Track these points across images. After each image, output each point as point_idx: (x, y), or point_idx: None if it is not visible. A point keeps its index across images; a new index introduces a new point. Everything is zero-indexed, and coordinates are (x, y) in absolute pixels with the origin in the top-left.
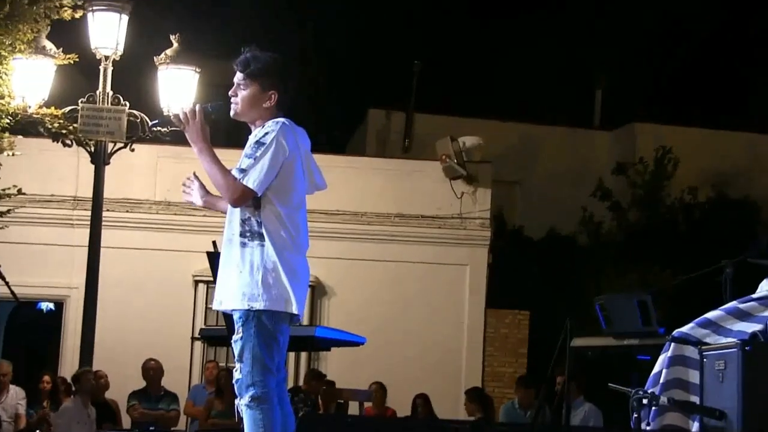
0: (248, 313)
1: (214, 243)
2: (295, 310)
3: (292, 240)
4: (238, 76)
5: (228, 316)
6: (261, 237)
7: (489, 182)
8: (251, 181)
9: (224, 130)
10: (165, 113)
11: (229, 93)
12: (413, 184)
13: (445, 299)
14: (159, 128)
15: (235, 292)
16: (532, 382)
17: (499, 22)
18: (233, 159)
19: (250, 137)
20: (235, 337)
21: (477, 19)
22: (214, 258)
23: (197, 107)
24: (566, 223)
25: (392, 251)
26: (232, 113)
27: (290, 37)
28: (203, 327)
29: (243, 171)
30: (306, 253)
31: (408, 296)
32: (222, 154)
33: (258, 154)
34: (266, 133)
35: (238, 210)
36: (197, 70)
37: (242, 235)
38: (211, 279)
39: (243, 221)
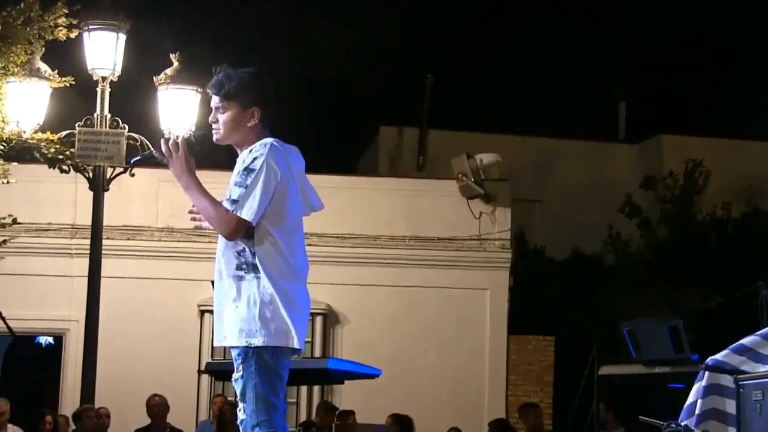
0: (247, 350)
1: None
2: (296, 344)
3: (290, 267)
4: (215, 100)
5: None
6: (256, 268)
7: (508, 201)
8: (245, 212)
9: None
10: (166, 135)
11: (209, 119)
12: (428, 205)
13: (464, 326)
14: (138, 163)
15: (233, 328)
16: (557, 411)
17: (515, 33)
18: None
19: (237, 162)
20: (235, 375)
21: (491, 30)
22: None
23: (179, 139)
24: (591, 242)
25: (408, 276)
26: (215, 139)
27: (296, 53)
28: (210, 361)
29: (235, 201)
30: (306, 280)
31: (425, 323)
32: (214, 177)
33: (249, 182)
34: (254, 158)
35: (228, 242)
36: (199, 90)
37: (238, 267)
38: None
39: (238, 253)
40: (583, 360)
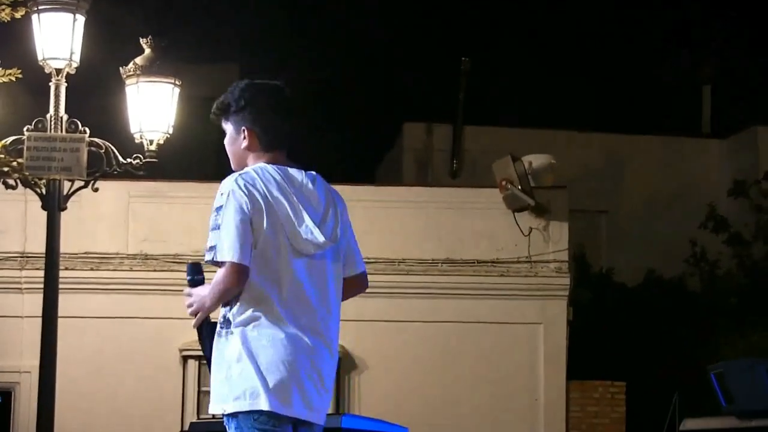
0: (226, 419)
1: None
2: (268, 407)
3: (278, 315)
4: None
5: None
6: (228, 323)
7: (565, 213)
8: (223, 253)
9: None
10: (137, 141)
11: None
12: (465, 220)
13: (513, 370)
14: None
15: (213, 393)
16: None
17: (566, 3)
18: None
19: None
20: None
21: (538, 2)
22: (204, 330)
23: (197, 313)
24: (670, 263)
25: (441, 309)
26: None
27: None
28: (194, 420)
29: (211, 249)
30: (322, 327)
31: (464, 368)
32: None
33: (219, 221)
34: (221, 194)
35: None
36: (177, 83)
37: (221, 325)
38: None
39: (223, 308)
40: (662, 411)
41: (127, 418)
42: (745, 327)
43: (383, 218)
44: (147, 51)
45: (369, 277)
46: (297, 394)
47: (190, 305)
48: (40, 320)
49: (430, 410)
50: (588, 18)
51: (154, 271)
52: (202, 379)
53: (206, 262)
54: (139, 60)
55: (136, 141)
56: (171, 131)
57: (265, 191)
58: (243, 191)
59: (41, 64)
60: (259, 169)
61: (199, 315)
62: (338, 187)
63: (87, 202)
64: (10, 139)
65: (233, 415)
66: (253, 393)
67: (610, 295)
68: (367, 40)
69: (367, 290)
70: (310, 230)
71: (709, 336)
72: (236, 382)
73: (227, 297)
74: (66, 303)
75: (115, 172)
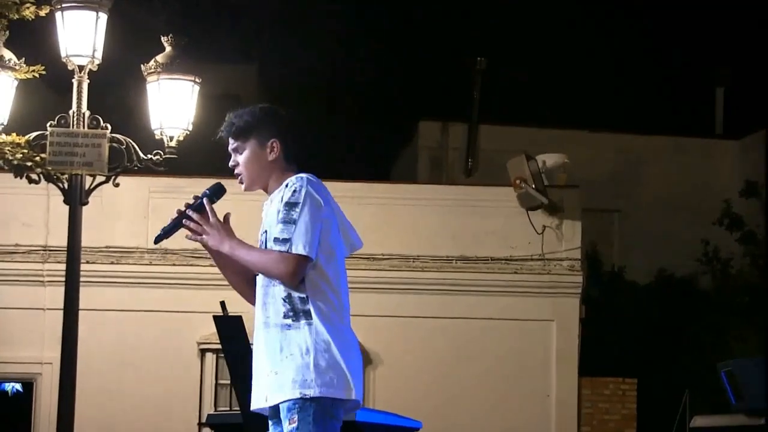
0: (302, 402)
1: (222, 304)
2: (354, 396)
3: (342, 308)
4: (231, 143)
5: (256, 416)
6: (307, 314)
7: (578, 212)
8: (300, 247)
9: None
10: (157, 137)
11: (230, 164)
12: (479, 218)
13: (525, 367)
14: (162, 238)
15: (283, 381)
16: None
17: (583, 3)
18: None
19: (267, 205)
20: (288, 426)
21: (553, 2)
22: (223, 323)
23: (205, 204)
24: (682, 262)
25: (454, 305)
26: (244, 188)
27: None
28: (212, 412)
29: (286, 240)
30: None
31: (476, 364)
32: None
33: (294, 216)
34: (294, 191)
35: (275, 288)
36: (197, 80)
37: (285, 316)
38: (221, 347)
39: (284, 300)
40: (673, 408)
41: (145, 410)
42: (757, 325)
43: (398, 215)
44: (168, 49)
45: (384, 273)
46: (361, 383)
47: (201, 227)
48: (61, 313)
49: (443, 405)
50: (602, 18)
51: (173, 265)
52: (220, 372)
53: (277, 251)
54: (160, 58)
55: (157, 137)
56: (190, 128)
57: (327, 193)
58: (320, 191)
59: (64, 61)
60: (311, 175)
61: (204, 241)
62: (353, 185)
63: (108, 197)
64: (34, 134)
65: (314, 401)
66: (345, 383)
67: (622, 293)
68: (384, 39)
69: (383, 286)
70: (358, 236)
71: (721, 334)
72: (325, 370)
73: (266, 271)
74: (87, 296)
75: (136, 168)
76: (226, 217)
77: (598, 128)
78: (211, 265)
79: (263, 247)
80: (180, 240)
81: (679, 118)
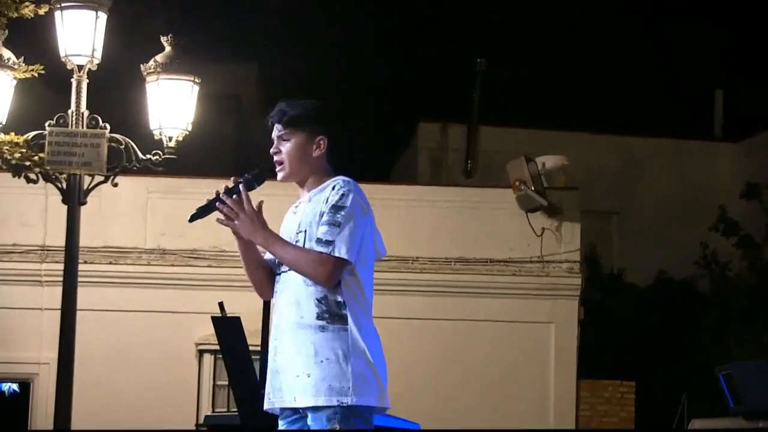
0: (341, 410)
1: (220, 305)
2: (388, 404)
3: (371, 314)
4: (277, 129)
5: (256, 417)
6: (343, 319)
7: (577, 214)
8: (343, 251)
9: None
10: (156, 137)
11: (271, 151)
12: (479, 220)
13: (523, 369)
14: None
15: (319, 385)
16: None
17: (582, 5)
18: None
19: (305, 203)
20: None
21: (553, 2)
22: (221, 324)
23: (241, 190)
24: (681, 265)
25: (453, 307)
26: (279, 177)
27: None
28: (209, 414)
29: (329, 242)
30: None
31: (474, 366)
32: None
33: (340, 219)
34: (342, 195)
35: (311, 288)
36: (197, 80)
37: (319, 317)
38: (219, 348)
39: (319, 301)
40: (671, 411)
41: (143, 411)
42: (755, 328)
43: (397, 217)
44: (167, 49)
45: (383, 275)
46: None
47: (234, 212)
48: (59, 313)
49: (441, 407)
50: (603, 20)
51: (172, 265)
52: (218, 373)
53: (318, 252)
54: (159, 58)
55: (156, 137)
56: (190, 128)
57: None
58: (363, 197)
59: (63, 60)
60: (350, 180)
61: (235, 227)
62: None
63: (106, 196)
64: (32, 134)
65: (352, 409)
66: (380, 390)
67: (621, 295)
68: (384, 40)
69: (382, 287)
70: (383, 245)
71: (719, 337)
72: (363, 377)
73: (303, 270)
74: (85, 296)
75: (135, 168)
76: (259, 205)
77: (598, 130)
78: (209, 266)
79: (301, 245)
80: (178, 240)
81: (679, 121)
